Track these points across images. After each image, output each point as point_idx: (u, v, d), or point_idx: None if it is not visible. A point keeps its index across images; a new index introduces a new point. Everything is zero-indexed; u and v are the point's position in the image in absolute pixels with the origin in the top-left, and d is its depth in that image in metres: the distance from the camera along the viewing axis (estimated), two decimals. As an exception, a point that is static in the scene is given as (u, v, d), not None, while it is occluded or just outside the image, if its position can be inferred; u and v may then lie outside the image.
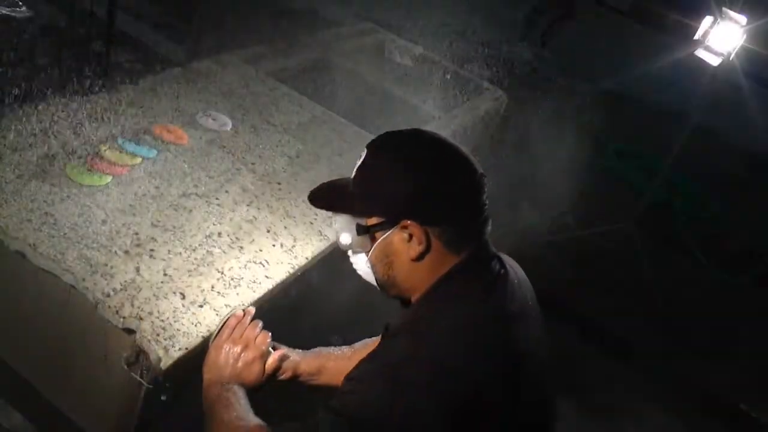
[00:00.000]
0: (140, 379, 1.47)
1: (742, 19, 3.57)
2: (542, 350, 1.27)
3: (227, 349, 1.40)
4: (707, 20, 3.63)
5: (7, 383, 1.75)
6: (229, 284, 1.69)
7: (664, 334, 3.84)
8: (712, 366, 3.67)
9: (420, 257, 1.19)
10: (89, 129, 1.99)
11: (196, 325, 1.54)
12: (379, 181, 1.21)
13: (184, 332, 1.51)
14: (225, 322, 1.47)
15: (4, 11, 2.34)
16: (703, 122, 4.29)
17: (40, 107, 1.97)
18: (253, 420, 1.28)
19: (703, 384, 3.55)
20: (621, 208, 4.42)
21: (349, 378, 1.16)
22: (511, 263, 1.32)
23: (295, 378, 1.52)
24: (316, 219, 2.03)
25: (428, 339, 1.14)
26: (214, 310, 1.60)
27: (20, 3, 2.44)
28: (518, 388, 1.18)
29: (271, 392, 1.46)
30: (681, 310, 4.07)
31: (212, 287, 1.66)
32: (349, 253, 1.30)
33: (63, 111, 2.00)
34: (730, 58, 3.65)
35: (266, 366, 1.43)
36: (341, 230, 1.26)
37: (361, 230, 1.22)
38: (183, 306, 1.57)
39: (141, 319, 1.50)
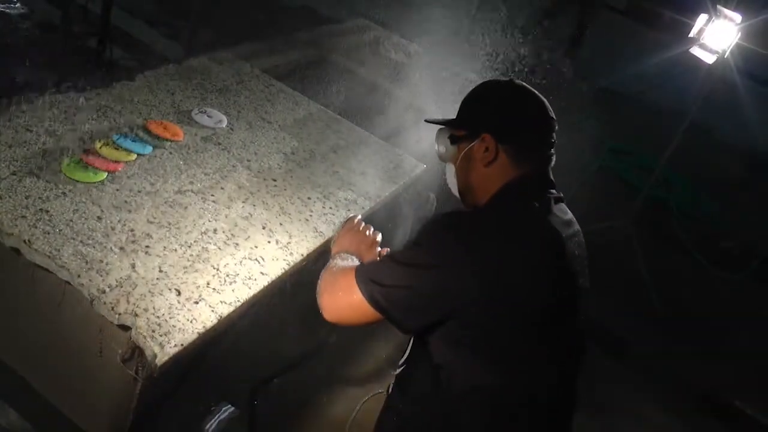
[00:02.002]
0: (135, 376, 1.46)
1: (737, 16, 3.57)
2: (582, 271, 1.51)
3: (353, 234, 1.68)
4: (702, 18, 3.63)
5: (2, 381, 1.74)
6: (225, 281, 1.68)
7: (663, 333, 3.83)
8: (712, 366, 3.66)
9: (489, 164, 1.48)
10: (84, 125, 1.98)
11: (191, 322, 1.53)
12: (471, 104, 1.56)
13: (179, 328, 1.50)
14: (348, 220, 1.75)
15: (-1, 8, 2.34)
16: (700, 120, 4.28)
17: (35, 103, 1.97)
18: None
19: (703, 384, 3.53)
20: (619, 207, 4.41)
21: None
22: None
23: None
24: (311, 216, 2.02)
25: (485, 216, 1.44)
26: (210, 306, 1.59)
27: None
28: (557, 280, 1.40)
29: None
30: (681, 310, 4.05)
31: (208, 284, 1.65)
32: (445, 167, 1.62)
33: (58, 107, 2.00)
34: (725, 56, 3.65)
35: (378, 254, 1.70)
36: (439, 143, 1.59)
37: (453, 139, 1.56)
38: (178, 302, 1.57)
39: (136, 315, 1.49)
